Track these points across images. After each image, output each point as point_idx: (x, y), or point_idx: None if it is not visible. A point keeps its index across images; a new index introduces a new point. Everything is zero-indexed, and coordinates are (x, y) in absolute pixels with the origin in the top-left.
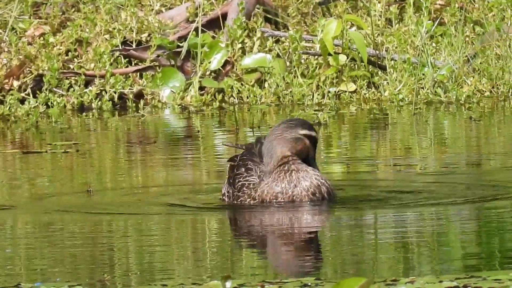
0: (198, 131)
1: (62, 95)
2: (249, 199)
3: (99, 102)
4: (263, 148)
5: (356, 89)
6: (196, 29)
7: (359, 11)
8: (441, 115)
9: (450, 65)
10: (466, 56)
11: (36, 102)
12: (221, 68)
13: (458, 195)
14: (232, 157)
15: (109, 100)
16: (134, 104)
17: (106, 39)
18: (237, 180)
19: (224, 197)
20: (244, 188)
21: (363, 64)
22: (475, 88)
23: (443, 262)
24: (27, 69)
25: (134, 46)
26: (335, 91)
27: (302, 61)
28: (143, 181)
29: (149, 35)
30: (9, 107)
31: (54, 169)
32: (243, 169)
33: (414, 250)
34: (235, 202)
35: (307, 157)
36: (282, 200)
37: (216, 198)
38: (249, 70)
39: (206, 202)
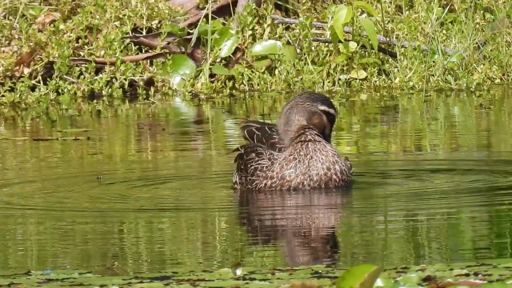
0: (208, 118)
1: (73, 82)
2: (265, 181)
3: (110, 89)
4: (280, 114)
5: (367, 76)
6: (206, 16)
7: None
8: (452, 103)
9: (461, 52)
10: (477, 43)
11: (47, 89)
12: (231, 55)
13: (468, 182)
14: (236, 148)
15: (119, 87)
16: (144, 91)
17: (117, 26)
18: (249, 165)
19: (236, 186)
20: (258, 172)
21: (373, 51)
22: (485, 75)
23: (454, 249)
24: (38, 56)
25: (144, 33)
26: (345, 78)
27: (313, 48)
28: (153, 169)
29: (159, 22)
30: (20, 94)
31: (65, 156)
32: (253, 154)
33: (425, 238)
34: (249, 187)
35: (322, 134)
36: (301, 174)
37: (226, 186)
38: (260, 57)
39: (216, 191)
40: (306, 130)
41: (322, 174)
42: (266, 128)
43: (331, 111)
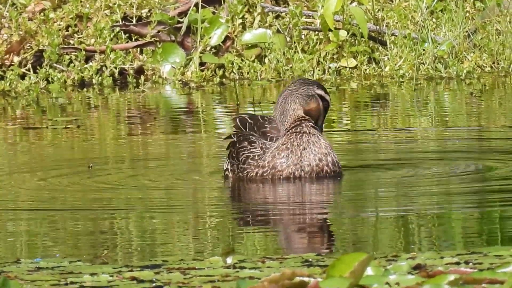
0: (198, 107)
1: (63, 71)
2: (256, 169)
3: (100, 78)
4: (276, 105)
5: (357, 64)
6: (196, 5)
7: None
8: (442, 91)
9: (451, 41)
10: (467, 31)
11: (37, 77)
12: (221, 44)
13: (459, 169)
14: (229, 135)
15: (109, 76)
16: (134, 80)
17: (107, 14)
18: (241, 153)
19: (227, 173)
20: (249, 160)
21: (363, 39)
22: (475, 63)
23: (444, 238)
24: (28, 44)
25: (134, 21)
26: (335, 67)
27: (303, 36)
28: (144, 158)
29: (149, 10)
30: (10, 83)
31: (55, 145)
32: (246, 143)
33: (415, 226)
34: (240, 174)
35: (316, 122)
36: (292, 164)
37: (216, 174)
38: (250, 45)
39: (206, 178)
40: (302, 121)
41: (313, 165)
42: (259, 117)
43: (327, 97)
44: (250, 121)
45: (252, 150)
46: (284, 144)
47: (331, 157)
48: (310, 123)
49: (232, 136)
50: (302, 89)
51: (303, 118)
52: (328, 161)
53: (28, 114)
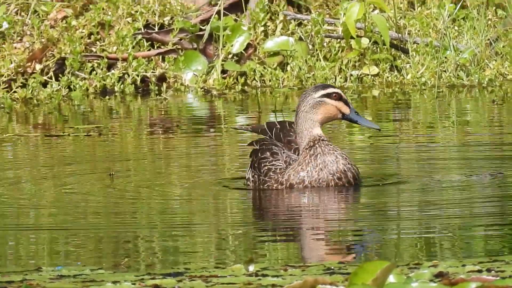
0: (220, 115)
1: (85, 79)
2: (276, 184)
3: (122, 86)
4: (296, 121)
5: (379, 72)
6: (218, 12)
7: None
8: (464, 99)
9: (473, 49)
10: (489, 39)
11: (59, 85)
12: (243, 51)
13: (479, 176)
14: (252, 142)
15: (131, 84)
16: (156, 88)
17: (129, 22)
18: (262, 165)
19: (248, 182)
20: (271, 173)
21: (385, 47)
22: (497, 71)
23: (466, 246)
24: (50, 52)
25: (156, 29)
26: (357, 74)
27: (325, 44)
28: (165, 165)
29: (171, 18)
30: (32, 91)
31: (76, 153)
32: (268, 154)
33: (437, 234)
34: (261, 187)
35: (343, 116)
36: (309, 184)
37: (238, 182)
38: (272, 53)
39: (229, 187)
40: (316, 142)
41: (332, 184)
42: (287, 123)
43: (329, 90)
44: (278, 126)
45: (274, 162)
46: (300, 165)
47: (351, 172)
48: (325, 142)
49: (255, 144)
50: (304, 106)
51: (318, 138)
52: (349, 177)
53: (50, 122)
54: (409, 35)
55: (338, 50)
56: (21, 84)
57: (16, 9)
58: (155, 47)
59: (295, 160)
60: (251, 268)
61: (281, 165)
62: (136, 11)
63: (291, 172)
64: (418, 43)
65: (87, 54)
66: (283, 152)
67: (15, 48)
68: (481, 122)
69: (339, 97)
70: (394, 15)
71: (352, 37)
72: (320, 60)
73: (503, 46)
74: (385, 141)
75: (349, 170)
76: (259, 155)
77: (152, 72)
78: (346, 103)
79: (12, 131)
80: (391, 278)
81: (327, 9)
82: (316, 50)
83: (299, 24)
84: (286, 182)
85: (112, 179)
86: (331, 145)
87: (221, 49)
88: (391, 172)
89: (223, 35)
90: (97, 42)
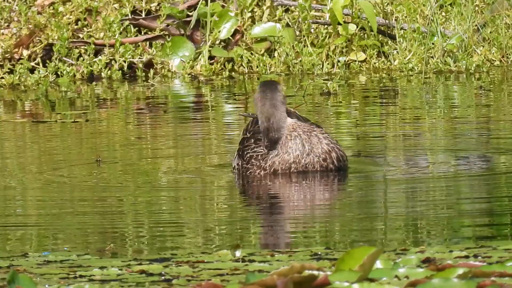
0: (207, 101)
1: (72, 65)
2: (258, 170)
3: (109, 71)
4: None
5: (366, 58)
6: None
7: None
8: (451, 85)
9: (460, 35)
10: (476, 25)
11: (46, 71)
12: (230, 37)
13: (467, 163)
14: (243, 130)
15: (118, 70)
16: (143, 74)
17: (116, 8)
18: (245, 152)
19: (234, 170)
20: (253, 160)
21: (372, 33)
22: (484, 57)
23: (453, 232)
24: (37, 38)
25: (143, 15)
26: (344, 61)
27: (312, 30)
28: (152, 152)
29: (158, 4)
30: (19, 77)
31: (64, 139)
32: (252, 141)
33: (424, 220)
34: (244, 174)
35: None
36: (295, 169)
37: (225, 169)
38: (259, 39)
39: (216, 174)
40: (295, 126)
41: (318, 167)
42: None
43: (257, 91)
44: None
45: (256, 149)
46: (283, 148)
47: (335, 153)
48: (304, 124)
49: (245, 131)
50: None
51: (295, 124)
52: (333, 158)
53: (37, 108)
54: (396, 21)
55: (325, 36)
56: (8, 70)
57: None
58: (142, 33)
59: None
60: (238, 253)
61: (262, 151)
62: None
63: (276, 158)
64: (405, 29)
65: (74, 40)
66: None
67: (2, 34)
68: (469, 107)
69: (265, 96)
70: (381, 1)
71: (339, 23)
72: (307, 46)
73: (490, 32)
74: (371, 128)
75: (333, 150)
76: (245, 143)
77: (139, 58)
78: (279, 100)
79: None
80: (378, 264)
81: None
82: (303, 36)
83: (286, 10)
84: (270, 167)
85: (99, 165)
86: (311, 126)
87: (208, 35)
88: (377, 158)
89: (210, 21)
90: (84, 28)
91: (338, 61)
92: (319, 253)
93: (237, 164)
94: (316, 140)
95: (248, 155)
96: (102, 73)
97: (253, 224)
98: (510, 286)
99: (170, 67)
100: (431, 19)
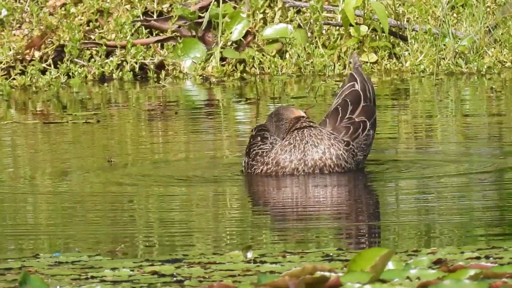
0: (219, 102)
1: (83, 66)
2: (262, 166)
3: (120, 73)
4: (270, 117)
5: (377, 59)
6: (217, 0)
7: None
8: (462, 86)
9: (471, 36)
10: (488, 26)
11: (57, 72)
12: (242, 39)
13: (479, 164)
14: (253, 128)
15: (130, 71)
16: (155, 75)
17: (127, 9)
18: (251, 149)
19: (242, 169)
20: (258, 157)
21: (384, 34)
22: (496, 59)
23: (464, 233)
24: (48, 39)
25: (155, 16)
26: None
27: (324, 31)
28: (164, 153)
29: (170, 5)
30: (31, 78)
31: (75, 140)
32: (259, 138)
33: (436, 221)
34: (249, 171)
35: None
36: (298, 164)
37: (236, 169)
38: (270, 40)
39: (227, 173)
40: (300, 118)
41: (317, 159)
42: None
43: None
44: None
45: (262, 146)
46: (287, 140)
47: (334, 150)
48: (308, 119)
49: (253, 130)
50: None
51: (300, 116)
52: (332, 154)
53: (48, 109)
54: (408, 23)
55: (337, 38)
56: (19, 72)
57: None
58: (154, 35)
59: (277, 143)
60: (250, 255)
61: (267, 148)
62: None
63: (279, 148)
64: (417, 31)
65: (86, 41)
66: (272, 136)
67: (14, 35)
68: (480, 109)
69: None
70: (393, 2)
71: (351, 25)
72: (318, 48)
73: (502, 34)
74: (382, 131)
75: (332, 146)
76: (252, 140)
77: (151, 59)
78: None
79: (10, 118)
80: (390, 265)
81: None
82: (315, 37)
83: (298, 11)
84: (273, 161)
85: (111, 166)
86: (313, 121)
87: (220, 36)
88: (390, 157)
89: (222, 23)
90: (96, 30)
91: (350, 62)
92: (331, 254)
93: (244, 162)
94: (318, 133)
95: (254, 152)
96: (114, 74)
97: (265, 224)
98: None
99: (181, 69)
100: (443, 21)
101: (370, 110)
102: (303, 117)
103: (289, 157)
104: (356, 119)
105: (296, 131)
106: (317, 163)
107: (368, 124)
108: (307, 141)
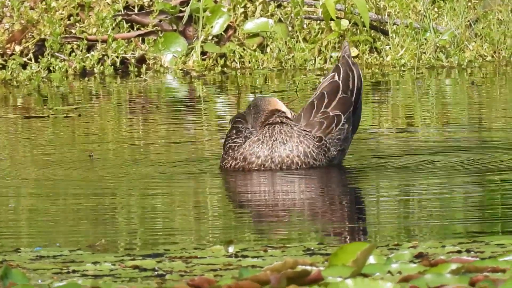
0: (199, 96)
1: (64, 60)
2: (231, 161)
3: (101, 67)
4: (248, 107)
5: (358, 54)
6: None
7: None
8: (443, 80)
9: (452, 30)
10: (468, 21)
11: (38, 67)
12: (223, 33)
13: (460, 158)
14: (231, 119)
15: (111, 65)
16: (136, 69)
17: (108, 3)
18: (226, 143)
19: (221, 164)
20: (230, 151)
21: (365, 29)
22: (477, 53)
23: (445, 227)
24: (29, 34)
25: (136, 11)
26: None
27: (304, 25)
28: (145, 147)
29: (151, 0)
30: (11, 72)
31: (56, 134)
32: (234, 132)
33: (417, 215)
34: (221, 165)
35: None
36: (265, 160)
37: (217, 164)
38: (251, 34)
39: (208, 168)
40: (275, 112)
41: (284, 156)
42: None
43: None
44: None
45: (235, 139)
46: (257, 136)
47: (302, 147)
48: (284, 114)
49: (230, 122)
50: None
51: (277, 110)
52: (300, 151)
53: (29, 103)
54: (389, 17)
55: (318, 32)
56: (0, 66)
57: None
58: (135, 29)
59: (249, 138)
60: (231, 249)
61: (240, 142)
62: None
63: (247, 144)
64: (398, 25)
65: (66, 35)
66: (246, 129)
67: None
68: (460, 104)
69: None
70: None
71: (332, 19)
72: (299, 42)
73: (482, 28)
74: (363, 124)
75: (301, 143)
76: (228, 133)
77: (132, 53)
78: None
79: None
80: (371, 259)
81: None
82: (296, 31)
83: (279, 6)
84: (241, 156)
85: (91, 160)
86: (288, 118)
87: (201, 30)
88: (370, 153)
89: (203, 17)
90: (77, 24)
91: (331, 56)
92: (312, 248)
93: (221, 156)
94: (288, 130)
95: (228, 145)
96: (95, 69)
97: (246, 219)
98: (503, 281)
99: (162, 63)
100: (424, 15)
101: (347, 103)
102: (279, 111)
103: (256, 153)
104: (331, 113)
105: (267, 126)
106: (284, 160)
107: (342, 118)
108: (276, 138)
